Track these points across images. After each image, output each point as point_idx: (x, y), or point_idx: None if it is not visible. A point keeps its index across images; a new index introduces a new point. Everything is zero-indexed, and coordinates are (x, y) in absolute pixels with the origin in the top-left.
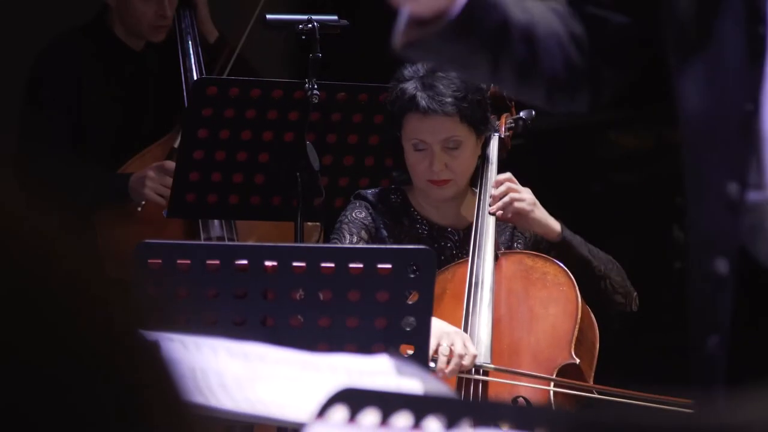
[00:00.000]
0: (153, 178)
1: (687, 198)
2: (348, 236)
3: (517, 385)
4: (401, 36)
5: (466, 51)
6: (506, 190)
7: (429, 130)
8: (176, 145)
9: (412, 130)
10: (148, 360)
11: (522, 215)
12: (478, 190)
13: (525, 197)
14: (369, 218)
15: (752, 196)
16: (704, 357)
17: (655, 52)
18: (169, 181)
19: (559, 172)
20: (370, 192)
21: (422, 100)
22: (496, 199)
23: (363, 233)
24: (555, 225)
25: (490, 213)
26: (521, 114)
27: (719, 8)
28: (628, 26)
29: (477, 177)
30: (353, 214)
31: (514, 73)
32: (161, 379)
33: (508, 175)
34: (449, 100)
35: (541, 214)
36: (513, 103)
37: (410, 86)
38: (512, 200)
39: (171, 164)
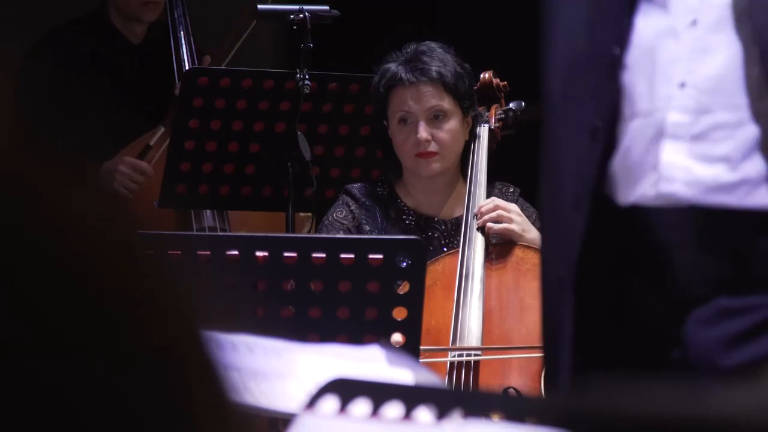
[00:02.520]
0: (123, 173)
1: (547, 133)
2: None
3: (508, 375)
4: None
5: None
6: (494, 206)
7: (414, 99)
8: (152, 142)
9: (397, 103)
10: (199, 352)
11: (511, 234)
12: (468, 181)
13: (514, 218)
14: (350, 216)
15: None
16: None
17: None
18: (139, 178)
19: None
20: (356, 186)
21: (405, 72)
22: (482, 213)
23: (341, 234)
24: None
25: (477, 225)
26: (511, 105)
27: None
28: None
29: (467, 168)
30: (334, 215)
31: None
32: (210, 375)
33: (492, 198)
34: (433, 68)
35: (530, 236)
36: (503, 94)
37: (393, 65)
38: (500, 217)
39: (144, 165)
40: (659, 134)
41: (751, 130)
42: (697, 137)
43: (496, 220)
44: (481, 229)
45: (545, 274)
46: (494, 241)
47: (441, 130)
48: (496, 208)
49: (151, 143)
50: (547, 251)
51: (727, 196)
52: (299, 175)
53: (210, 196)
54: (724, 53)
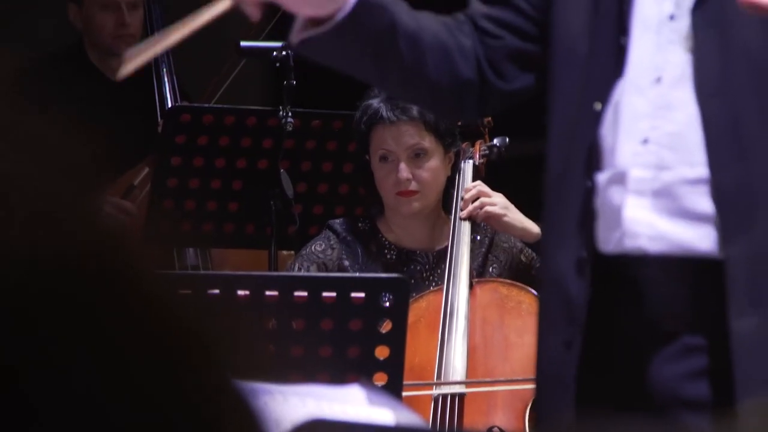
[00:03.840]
0: (108, 214)
1: (548, 191)
2: (296, 270)
3: (493, 414)
4: (296, 34)
5: (355, 51)
6: (476, 193)
7: (394, 138)
8: (136, 182)
9: (378, 141)
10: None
11: (494, 218)
12: (452, 217)
13: (496, 201)
14: (328, 251)
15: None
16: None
17: (541, 68)
18: (124, 219)
19: (534, 199)
20: (338, 221)
21: (386, 110)
22: (466, 203)
23: (313, 268)
24: (532, 227)
25: (461, 218)
26: (495, 141)
27: (601, 23)
28: (519, 46)
29: (449, 203)
30: (312, 248)
31: (400, 77)
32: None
33: (478, 182)
34: (414, 108)
35: (516, 216)
36: (487, 130)
37: (375, 102)
38: (483, 204)
39: (128, 205)
40: (623, 189)
41: (707, 187)
42: (659, 193)
43: (477, 206)
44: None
45: (547, 336)
46: (476, 274)
47: (422, 169)
48: (479, 194)
49: (135, 183)
50: (550, 315)
51: (690, 247)
52: (282, 212)
53: (193, 233)
54: (684, 110)
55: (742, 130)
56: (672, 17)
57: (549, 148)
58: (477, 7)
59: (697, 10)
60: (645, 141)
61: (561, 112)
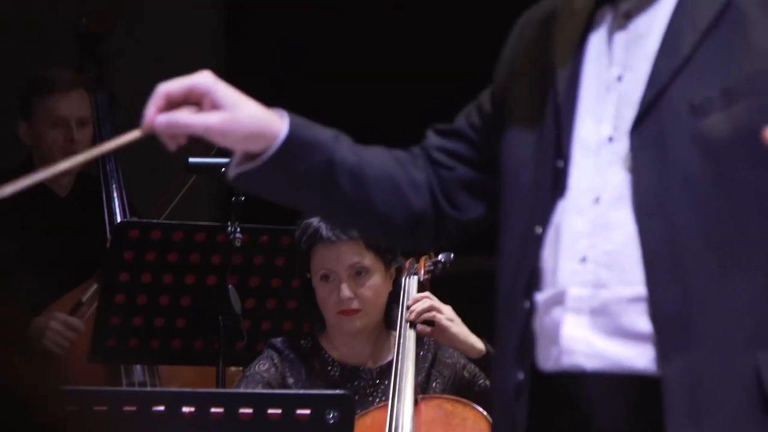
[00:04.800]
0: (55, 330)
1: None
2: None
3: None
4: (233, 168)
5: (291, 188)
6: (429, 307)
7: (335, 258)
8: (84, 299)
9: (319, 261)
10: None
11: (440, 327)
12: (396, 333)
13: (444, 311)
14: (273, 369)
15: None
16: None
17: (493, 196)
18: (71, 335)
19: (478, 314)
20: (280, 340)
21: (326, 230)
22: (418, 314)
23: (258, 388)
24: (477, 342)
25: (407, 320)
26: (440, 257)
27: (543, 149)
28: (471, 176)
29: (392, 319)
30: (256, 368)
31: (347, 212)
32: None
33: (427, 293)
34: None
35: (462, 330)
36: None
37: (315, 221)
38: (431, 308)
39: (76, 321)
40: (562, 308)
41: (644, 306)
42: (596, 311)
43: (425, 309)
44: (411, 322)
45: None
46: (420, 390)
47: (363, 287)
48: (431, 308)
49: (83, 299)
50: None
51: (627, 365)
52: (230, 328)
53: (140, 350)
54: (622, 229)
55: (680, 249)
56: (611, 139)
57: (498, 271)
58: (431, 139)
59: (635, 132)
60: (583, 259)
61: (508, 238)
